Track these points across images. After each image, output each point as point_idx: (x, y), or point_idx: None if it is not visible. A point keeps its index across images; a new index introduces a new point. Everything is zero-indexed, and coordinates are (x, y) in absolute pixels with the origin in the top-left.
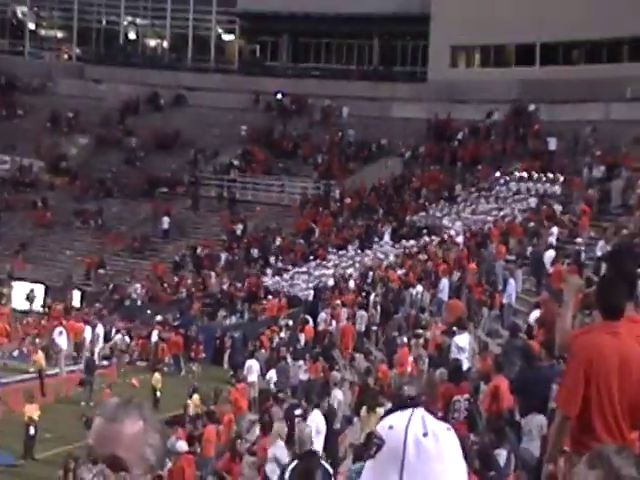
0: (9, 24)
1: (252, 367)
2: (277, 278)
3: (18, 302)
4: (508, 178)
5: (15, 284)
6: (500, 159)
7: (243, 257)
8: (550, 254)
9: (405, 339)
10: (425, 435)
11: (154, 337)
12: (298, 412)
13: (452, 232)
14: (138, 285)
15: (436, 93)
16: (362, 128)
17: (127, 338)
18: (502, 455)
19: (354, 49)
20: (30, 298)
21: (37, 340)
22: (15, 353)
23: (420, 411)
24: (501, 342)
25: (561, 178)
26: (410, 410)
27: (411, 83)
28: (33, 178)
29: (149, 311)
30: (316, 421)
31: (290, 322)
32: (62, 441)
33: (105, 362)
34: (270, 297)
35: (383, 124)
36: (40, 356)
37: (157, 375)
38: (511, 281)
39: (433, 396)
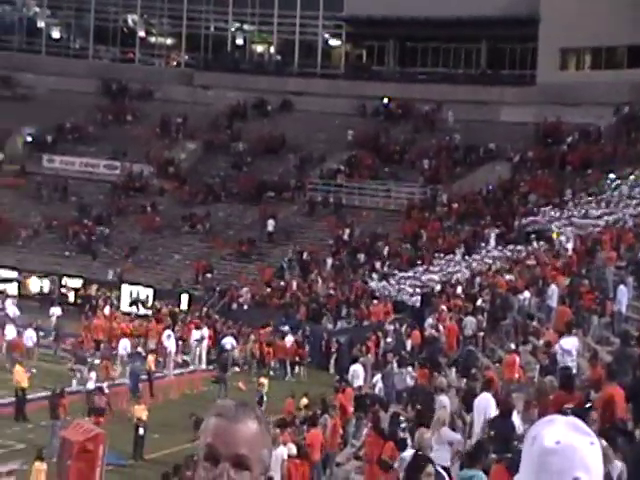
0: (120, 32)
1: (357, 372)
2: (383, 283)
3: (127, 305)
4: (619, 182)
5: (124, 287)
6: (610, 163)
7: (349, 262)
8: None
9: (513, 345)
10: (592, 444)
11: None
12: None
13: (562, 237)
14: (245, 289)
15: (545, 96)
16: (469, 132)
17: (234, 342)
18: (617, 466)
19: (461, 53)
20: (139, 302)
21: (143, 343)
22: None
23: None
24: (611, 350)
25: None
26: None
27: (519, 86)
28: (143, 183)
29: (255, 315)
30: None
31: (396, 327)
32: (171, 442)
33: (210, 367)
34: (376, 302)
35: (491, 128)
36: (150, 359)
37: (263, 379)
38: (622, 288)
39: (544, 404)
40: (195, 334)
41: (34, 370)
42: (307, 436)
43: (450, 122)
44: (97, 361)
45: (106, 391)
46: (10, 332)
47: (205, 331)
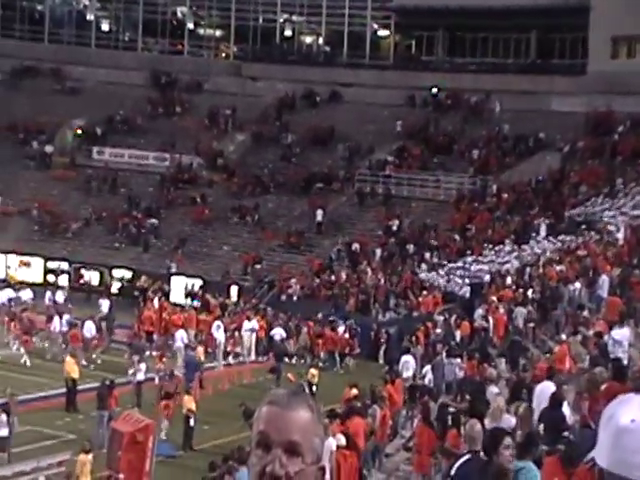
0: (169, 24)
1: (408, 363)
2: (432, 273)
3: (177, 297)
4: None
5: (174, 279)
6: None
7: (398, 252)
8: None
9: (564, 336)
10: None
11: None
12: (452, 409)
13: (612, 227)
14: (294, 280)
15: (596, 85)
16: (519, 122)
17: (283, 333)
18: None
19: (511, 42)
20: (193, 293)
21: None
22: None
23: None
24: None
25: None
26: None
27: (570, 76)
28: (192, 175)
29: (304, 306)
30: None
31: (446, 318)
32: (220, 433)
33: (261, 358)
34: (425, 292)
35: (541, 118)
36: (200, 350)
37: (313, 370)
38: None
39: (595, 395)
40: (246, 325)
41: (99, 361)
42: (350, 425)
43: (498, 112)
44: (154, 353)
45: (178, 374)
46: (64, 324)
47: (255, 323)
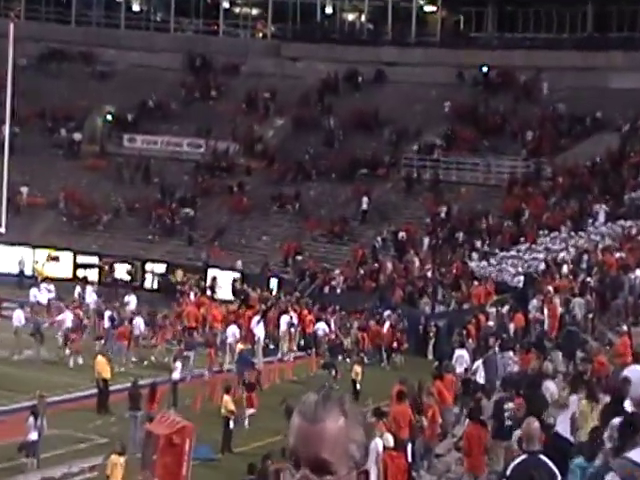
0: (203, 3)
1: (463, 357)
2: (484, 263)
3: (218, 291)
4: None
5: (212, 272)
6: None
7: (448, 241)
8: None
9: (625, 327)
10: None
11: (353, 326)
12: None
13: None
14: (337, 271)
15: None
16: (575, 101)
17: (326, 328)
18: None
19: (566, 16)
20: (238, 289)
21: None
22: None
23: None
24: None
25: None
26: None
27: (629, 51)
28: (229, 162)
29: (349, 299)
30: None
31: (498, 309)
32: (261, 435)
33: (302, 353)
34: (476, 283)
35: (598, 96)
36: (240, 347)
37: (357, 367)
38: None
39: None
40: (285, 319)
41: (152, 358)
42: (393, 411)
43: (549, 91)
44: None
45: (259, 364)
46: (106, 320)
47: (294, 316)
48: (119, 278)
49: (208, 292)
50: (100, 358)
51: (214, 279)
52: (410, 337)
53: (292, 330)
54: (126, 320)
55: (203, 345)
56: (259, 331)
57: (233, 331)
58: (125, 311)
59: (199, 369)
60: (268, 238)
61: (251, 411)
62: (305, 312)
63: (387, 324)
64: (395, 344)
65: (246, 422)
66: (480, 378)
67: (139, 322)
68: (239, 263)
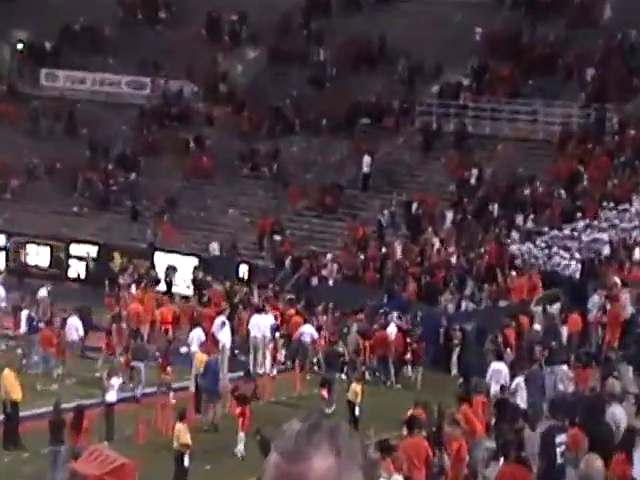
0: None
1: (500, 374)
2: (527, 245)
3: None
4: None
5: (159, 257)
6: None
7: (478, 216)
8: None
9: None
10: None
11: (353, 331)
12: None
13: None
14: (329, 257)
15: None
16: None
17: (314, 332)
18: None
19: None
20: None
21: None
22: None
23: None
24: None
25: None
26: None
27: None
28: (183, 108)
29: (345, 294)
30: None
31: (546, 308)
32: (229, 475)
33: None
34: (517, 273)
35: None
36: (199, 358)
37: (356, 386)
38: None
39: None
40: (258, 322)
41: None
42: (404, 445)
43: (608, 14)
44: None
45: (224, 381)
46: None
47: (271, 317)
48: (33, 264)
49: (163, 285)
50: (7, 372)
51: (171, 268)
52: (427, 345)
53: (277, 335)
54: (53, 320)
55: (154, 355)
56: (224, 336)
57: (198, 335)
58: (49, 309)
59: (140, 387)
60: (236, 211)
61: (241, 435)
62: (291, 311)
63: (394, 328)
64: (407, 355)
65: (240, 448)
66: (521, 401)
67: (74, 324)
68: (214, 246)
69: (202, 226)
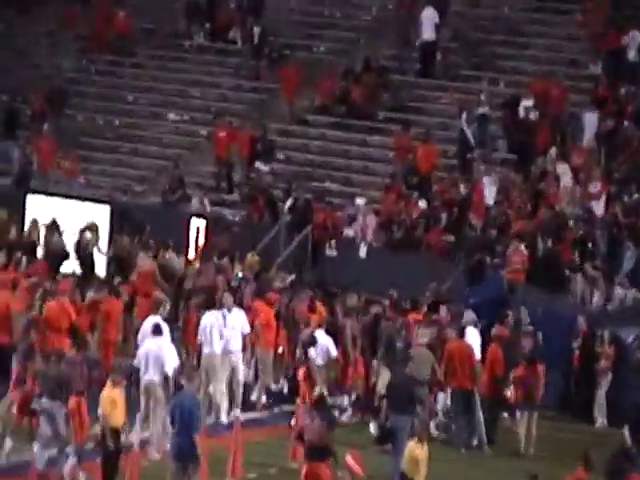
0: None
1: None
2: None
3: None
4: None
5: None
6: None
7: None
8: None
9: None
10: None
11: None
12: None
13: None
14: (359, 201)
15: None
16: None
17: (329, 342)
18: None
19: None
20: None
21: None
22: None
23: None
24: None
25: None
26: None
27: None
28: None
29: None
30: None
31: None
32: None
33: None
34: None
35: None
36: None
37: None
38: None
39: None
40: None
41: None
42: None
43: None
44: None
45: None
46: None
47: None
48: None
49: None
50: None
51: (54, 224)
52: (549, 370)
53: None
54: None
55: None
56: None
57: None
58: None
59: None
60: (179, 116)
61: None
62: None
63: (477, 336)
64: (508, 390)
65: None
66: None
67: None
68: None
69: (117, 144)
